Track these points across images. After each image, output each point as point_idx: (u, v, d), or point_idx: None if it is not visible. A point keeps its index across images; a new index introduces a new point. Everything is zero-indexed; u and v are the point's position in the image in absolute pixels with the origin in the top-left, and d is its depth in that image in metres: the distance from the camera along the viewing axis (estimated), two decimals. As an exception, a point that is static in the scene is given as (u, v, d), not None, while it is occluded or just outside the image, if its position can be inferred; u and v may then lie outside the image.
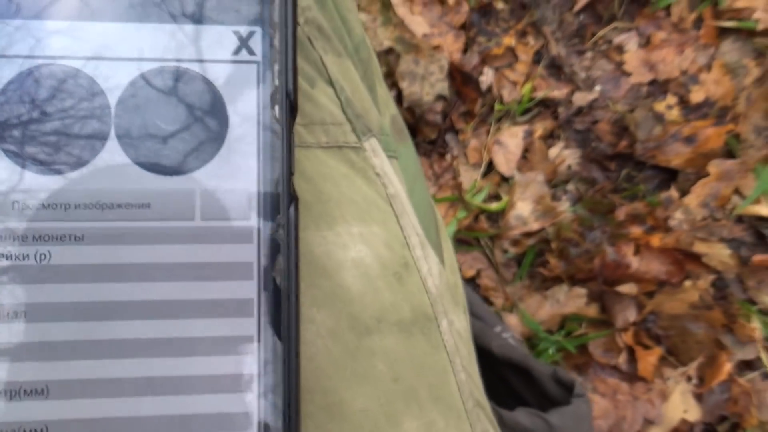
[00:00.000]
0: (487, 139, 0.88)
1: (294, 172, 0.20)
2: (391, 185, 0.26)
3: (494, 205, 0.84)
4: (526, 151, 0.87)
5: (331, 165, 0.23)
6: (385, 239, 0.24)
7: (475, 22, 0.92)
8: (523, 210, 0.82)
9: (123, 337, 0.19)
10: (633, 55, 0.90)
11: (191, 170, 0.19)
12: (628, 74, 0.90)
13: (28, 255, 0.18)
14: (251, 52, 0.20)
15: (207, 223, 0.19)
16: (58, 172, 0.19)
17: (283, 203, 0.19)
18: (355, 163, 0.24)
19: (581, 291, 0.73)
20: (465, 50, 0.91)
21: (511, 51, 0.91)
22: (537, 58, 0.91)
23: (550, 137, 0.89)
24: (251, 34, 0.20)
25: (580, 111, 0.89)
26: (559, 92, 0.88)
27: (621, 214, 0.81)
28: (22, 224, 0.18)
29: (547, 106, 0.90)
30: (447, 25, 0.91)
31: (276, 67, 0.20)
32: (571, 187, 0.85)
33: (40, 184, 0.19)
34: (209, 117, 0.19)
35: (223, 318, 0.19)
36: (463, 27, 0.92)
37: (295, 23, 0.20)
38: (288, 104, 0.19)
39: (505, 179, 0.86)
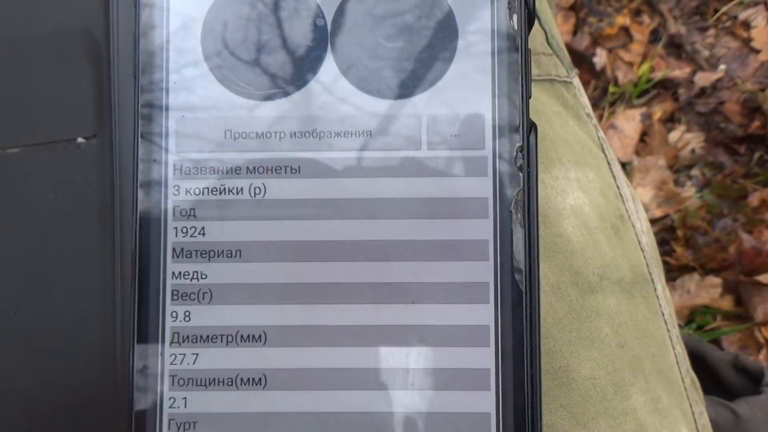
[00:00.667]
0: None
1: (531, 94, 0.17)
2: (600, 130, 0.23)
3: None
4: (644, 135, 0.82)
5: (544, 101, 0.21)
6: (600, 187, 0.21)
7: (585, 2, 0.87)
8: (644, 196, 0.77)
9: (343, 280, 0.16)
10: (762, 30, 0.83)
11: (417, 93, 0.17)
12: (756, 51, 0.83)
13: (242, 189, 0.16)
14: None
15: (435, 152, 0.17)
16: (271, 98, 0.17)
17: (522, 129, 0.17)
18: (567, 100, 0.21)
19: (715, 281, 0.68)
20: (575, 32, 0.86)
21: (624, 30, 0.86)
22: (653, 37, 0.85)
23: (669, 120, 0.83)
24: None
25: (702, 92, 0.83)
26: (680, 72, 0.82)
27: (755, 200, 0.74)
28: (235, 155, 0.17)
29: (666, 87, 0.84)
30: (555, 6, 0.87)
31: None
32: (695, 172, 0.79)
33: (252, 111, 0.17)
34: (437, 31, 0.17)
35: (455, 261, 0.17)
36: (572, 8, 0.87)
37: None
38: (527, 13, 0.17)
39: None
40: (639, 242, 0.22)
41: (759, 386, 0.34)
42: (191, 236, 0.16)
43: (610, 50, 0.85)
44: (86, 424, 0.16)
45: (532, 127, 0.17)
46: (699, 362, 0.38)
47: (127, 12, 0.17)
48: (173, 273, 0.16)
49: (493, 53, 0.17)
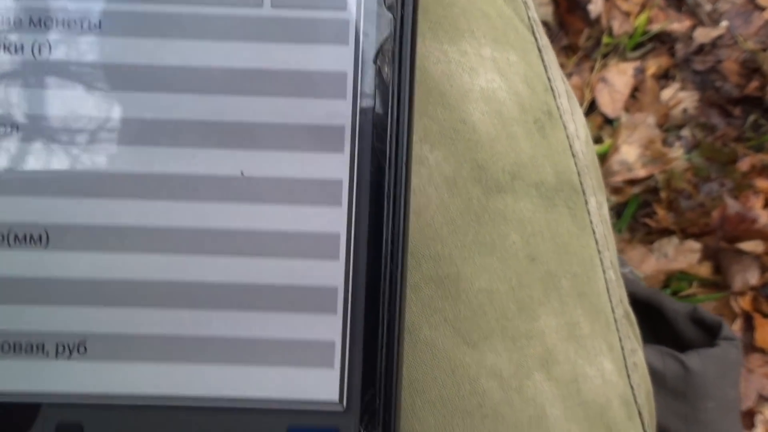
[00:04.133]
0: (591, 75, 0.79)
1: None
2: (533, 8, 0.19)
3: (595, 148, 0.75)
4: (636, 91, 0.78)
5: (457, -40, 0.17)
6: (525, 74, 0.18)
7: (585, -54, 0.82)
8: (629, 155, 0.73)
9: (147, 171, 0.13)
10: (770, -14, 0.79)
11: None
12: (762, 8, 0.78)
13: (22, 46, 0.13)
14: None
15: (280, 11, 0.13)
16: None
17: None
18: (490, -36, 0.18)
19: (695, 246, 0.64)
20: (572, -24, 0.81)
21: (625, -22, 0.81)
22: (655, -13, 0.81)
23: (664, 77, 0.79)
24: None
25: (701, 49, 0.78)
26: (679, 25, 0.78)
27: (744, 165, 0.71)
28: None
29: (663, 41, 0.79)
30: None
31: None
32: (686, 132, 0.75)
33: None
34: None
35: (303, 152, 0.13)
36: (572, -49, 0.82)
37: None
38: None
39: (608, 121, 0.77)
40: (570, 146, 0.19)
41: (715, 339, 0.31)
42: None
43: (607, -2, 0.80)
44: None
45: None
46: (655, 313, 0.35)
47: None
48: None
49: None
